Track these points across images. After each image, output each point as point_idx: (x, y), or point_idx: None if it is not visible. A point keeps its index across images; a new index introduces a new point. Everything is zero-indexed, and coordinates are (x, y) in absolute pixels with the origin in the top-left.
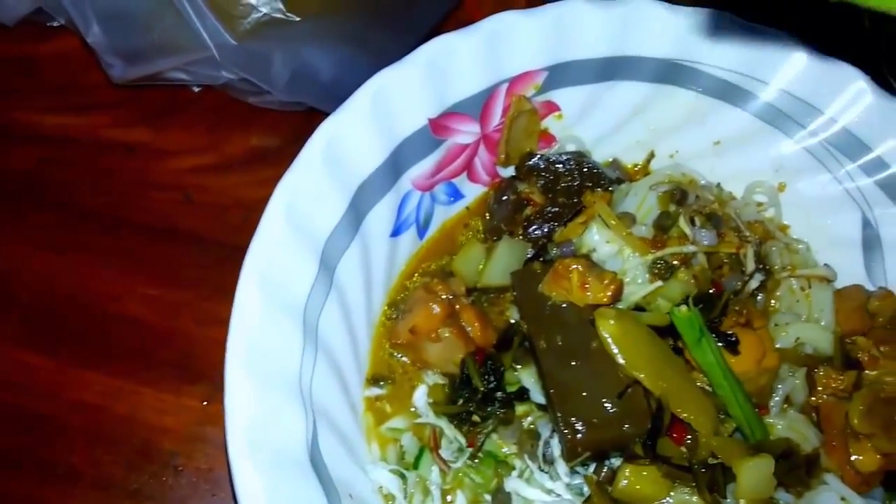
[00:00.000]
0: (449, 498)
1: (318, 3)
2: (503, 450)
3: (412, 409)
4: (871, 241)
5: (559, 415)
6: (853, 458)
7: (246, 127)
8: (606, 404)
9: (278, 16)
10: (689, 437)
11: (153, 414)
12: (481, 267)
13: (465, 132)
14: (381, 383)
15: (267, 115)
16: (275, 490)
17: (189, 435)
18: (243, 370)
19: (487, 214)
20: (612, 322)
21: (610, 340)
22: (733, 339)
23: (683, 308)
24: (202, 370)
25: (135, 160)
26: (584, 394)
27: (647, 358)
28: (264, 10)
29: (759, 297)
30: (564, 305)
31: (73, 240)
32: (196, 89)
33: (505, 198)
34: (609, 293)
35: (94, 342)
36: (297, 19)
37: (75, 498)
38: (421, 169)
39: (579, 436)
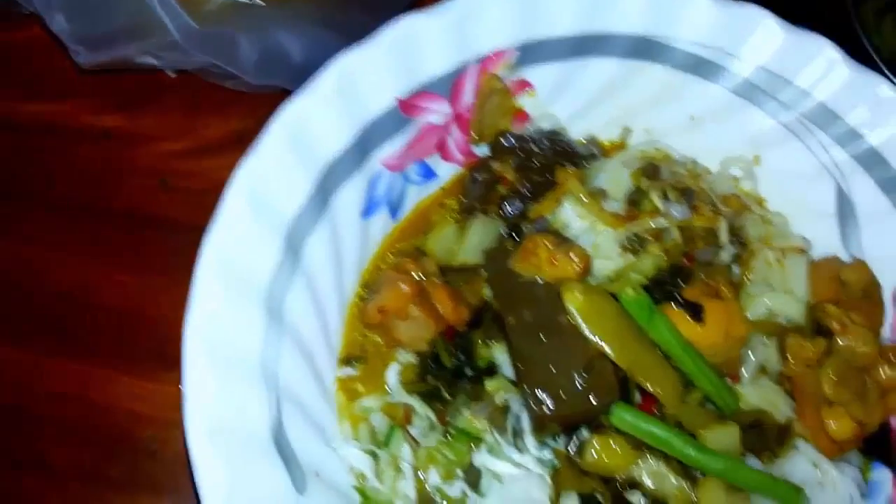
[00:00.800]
0: (421, 475)
1: None
2: (475, 425)
3: (385, 388)
4: (846, 212)
5: (527, 389)
6: (827, 425)
7: (223, 110)
8: (574, 378)
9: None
10: (657, 408)
11: (130, 401)
12: (455, 246)
13: (436, 112)
14: (354, 363)
15: (244, 98)
16: (235, 471)
17: (166, 420)
18: (202, 354)
19: (462, 194)
20: (578, 295)
21: (576, 314)
22: (699, 308)
23: (630, 291)
24: (179, 356)
25: (110, 147)
26: (552, 368)
27: (613, 331)
28: None
29: (735, 270)
30: (534, 281)
31: (48, 228)
32: (171, 74)
33: (479, 177)
34: (577, 268)
35: (69, 331)
36: (262, 3)
37: (53, 489)
38: (391, 149)
39: (547, 409)
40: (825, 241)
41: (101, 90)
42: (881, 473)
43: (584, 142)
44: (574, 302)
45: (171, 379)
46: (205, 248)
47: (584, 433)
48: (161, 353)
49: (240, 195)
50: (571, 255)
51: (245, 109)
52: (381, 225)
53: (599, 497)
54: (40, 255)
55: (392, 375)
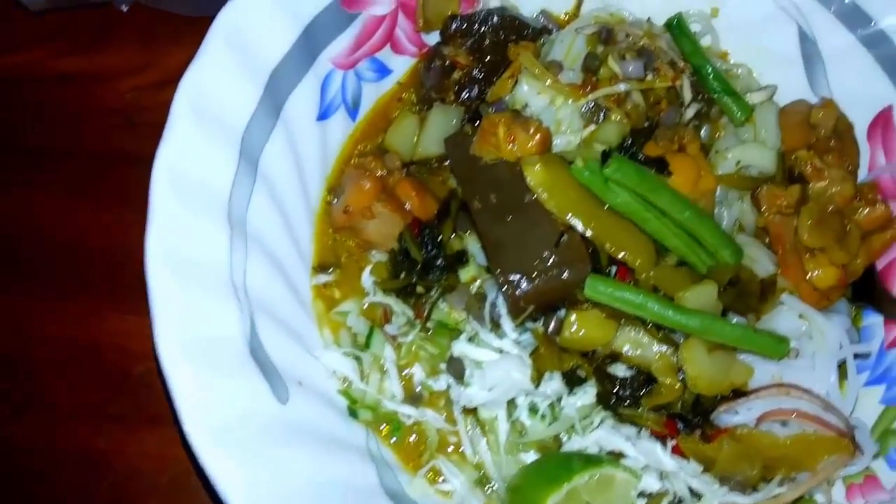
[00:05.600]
0: (406, 373)
1: None
2: (453, 316)
3: (363, 292)
4: (810, 54)
5: (499, 273)
6: (810, 274)
7: (179, 39)
8: (544, 254)
9: None
10: (632, 276)
11: (121, 337)
12: (415, 138)
13: (380, 2)
14: (329, 270)
15: (201, 23)
16: (211, 385)
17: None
18: (165, 270)
19: (418, 85)
20: (538, 170)
21: (539, 188)
22: (664, 164)
23: (578, 161)
24: None
25: (73, 90)
26: (521, 248)
27: (577, 202)
28: None
29: (703, 129)
30: (496, 163)
31: (20, 177)
32: (124, 8)
33: (432, 65)
34: (535, 142)
35: (52, 274)
36: None
37: (58, 428)
38: (339, 46)
39: (519, 290)
40: (792, 87)
41: (55, 35)
42: (872, 319)
43: (538, 16)
44: (535, 177)
45: None
46: (156, 165)
47: (561, 313)
48: (145, 287)
49: (183, 110)
50: (528, 129)
51: (202, 35)
52: (341, 127)
53: (581, 372)
54: (16, 201)
55: (367, 277)
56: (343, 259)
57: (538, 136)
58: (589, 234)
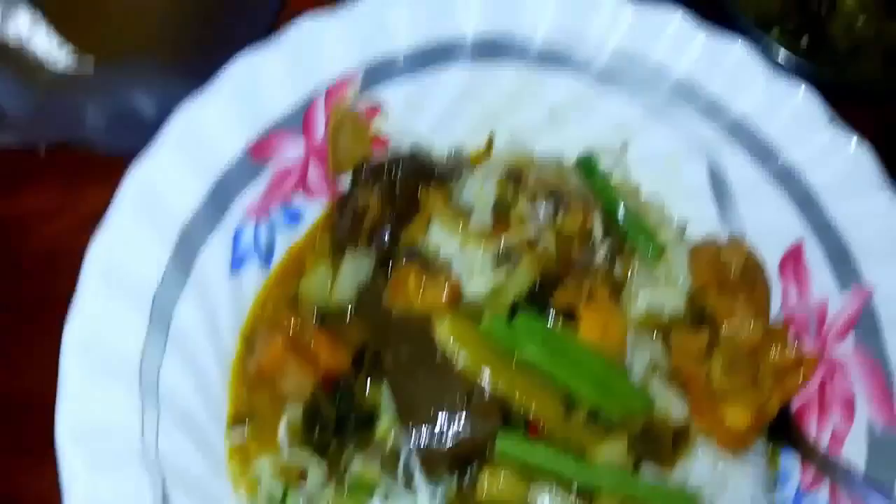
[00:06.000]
0: None
1: (119, 43)
2: (368, 473)
3: (278, 445)
4: (720, 188)
5: (409, 429)
6: (725, 417)
7: (102, 180)
8: (455, 412)
9: (75, 66)
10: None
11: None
12: (329, 287)
13: (291, 150)
14: (244, 424)
15: (120, 164)
16: None
17: None
18: (76, 446)
19: (331, 231)
20: (447, 326)
21: (448, 344)
22: (571, 316)
23: (486, 317)
24: None
25: None
26: (431, 404)
27: (486, 357)
28: (57, 63)
29: (616, 265)
30: (408, 315)
31: None
32: (41, 152)
33: (344, 211)
34: (445, 294)
35: None
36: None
37: None
38: (250, 197)
39: (430, 448)
40: (704, 221)
41: None
42: (790, 459)
43: (450, 156)
44: (444, 333)
45: None
46: (65, 334)
47: (475, 467)
48: None
49: (93, 275)
50: (440, 282)
51: (121, 175)
52: (255, 277)
53: None
54: None
55: (282, 432)
56: (259, 411)
57: (448, 289)
58: (497, 392)
